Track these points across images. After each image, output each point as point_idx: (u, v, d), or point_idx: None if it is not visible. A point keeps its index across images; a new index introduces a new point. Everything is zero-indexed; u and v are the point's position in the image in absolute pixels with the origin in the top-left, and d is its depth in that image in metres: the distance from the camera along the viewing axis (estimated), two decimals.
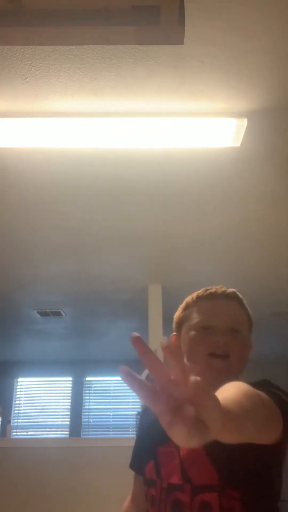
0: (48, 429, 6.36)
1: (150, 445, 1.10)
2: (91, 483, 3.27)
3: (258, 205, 2.87)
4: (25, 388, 6.63)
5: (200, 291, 1.15)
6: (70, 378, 6.57)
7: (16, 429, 6.32)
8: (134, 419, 5.98)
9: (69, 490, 3.27)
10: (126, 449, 3.49)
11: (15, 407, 6.47)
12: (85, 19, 1.27)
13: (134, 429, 5.97)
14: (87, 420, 6.37)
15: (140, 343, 0.55)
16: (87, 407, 6.44)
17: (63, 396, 6.54)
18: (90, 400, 6.49)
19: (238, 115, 2.10)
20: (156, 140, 2.22)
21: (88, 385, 6.58)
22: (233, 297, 1.14)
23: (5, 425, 5.52)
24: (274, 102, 2.04)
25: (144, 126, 2.14)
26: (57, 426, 6.38)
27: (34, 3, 1.25)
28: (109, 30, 1.29)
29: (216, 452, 0.96)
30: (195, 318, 1.11)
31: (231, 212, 2.94)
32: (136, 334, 0.56)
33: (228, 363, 1.03)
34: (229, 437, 0.65)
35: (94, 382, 6.60)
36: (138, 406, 6.06)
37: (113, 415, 6.41)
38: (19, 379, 6.61)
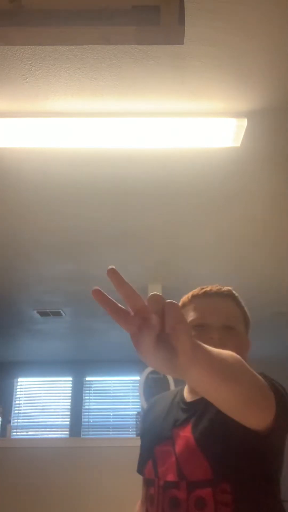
0: (48, 429, 6.36)
1: (149, 445, 1.11)
2: (91, 483, 3.27)
3: (258, 205, 2.87)
4: (25, 388, 6.63)
5: (195, 290, 1.17)
6: (70, 378, 6.57)
7: (16, 429, 6.32)
8: (134, 419, 5.98)
9: (69, 490, 3.27)
10: (126, 449, 3.51)
11: (15, 407, 6.47)
12: (85, 19, 1.27)
13: (134, 429, 5.96)
14: (87, 420, 6.37)
15: (115, 274, 0.60)
16: (87, 407, 6.44)
17: (63, 396, 6.54)
18: (90, 400, 6.48)
19: (238, 115, 2.10)
20: (156, 140, 2.22)
21: (88, 385, 6.58)
22: (228, 295, 1.14)
23: (5, 425, 5.52)
24: (274, 102, 2.04)
25: (144, 126, 2.14)
26: (57, 426, 6.38)
27: (34, 3, 1.25)
28: (109, 30, 1.29)
29: (209, 446, 0.96)
30: (190, 316, 1.12)
31: (231, 212, 2.94)
32: (111, 266, 0.61)
33: None
34: (202, 381, 0.66)
35: (94, 382, 6.60)
36: (138, 406, 6.06)
37: (113, 415, 6.41)
38: (19, 379, 6.61)
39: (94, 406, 6.46)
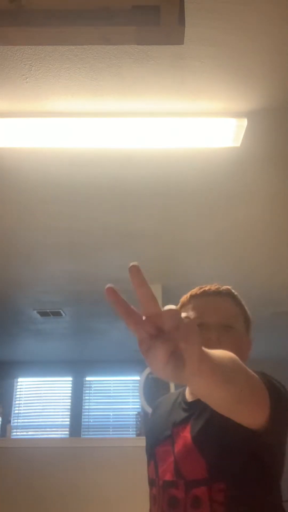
0: (48, 429, 6.36)
1: (151, 446, 1.12)
2: (91, 483, 3.27)
3: (258, 205, 2.87)
4: (25, 388, 6.63)
5: (194, 290, 1.17)
6: (70, 378, 6.57)
7: (16, 429, 6.32)
8: (134, 419, 5.98)
9: (69, 490, 3.27)
10: (126, 449, 3.51)
11: (15, 407, 6.47)
12: (85, 19, 1.27)
13: (134, 429, 5.96)
14: (87, 420, 6.37)
15: (138, 273, 0.58)
16: (87, 407, 6.44)
17: (63, 396, 6.54)
18: (90, 400, 6.48)
19: (238, 115, 2.10)
20: (156, 140, 2.22)
21: (88, 385, 6.58)
22: (227, 294, 1.15)
23: (5, 425, 5.51)
24: (274, 102, 2.04)
25: (144, 126, 2.14)
26: (57, 426, 6.38)
27: (34, 3, 1.25)
28: (109, 30, 1.28)
29: (205, 445, 0.97)
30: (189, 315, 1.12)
31: (231, 212, 2.94)
32: (134, 263, 0.58)
33: None
34: (202, 386, 0.66)
35: (94, 382, 6.60)
36: (138, 406, 6.06)
37: (113, 415, 6.41)
38: (19, 379, 6.61)
39: (94, 406, 6.46)
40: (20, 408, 6.51)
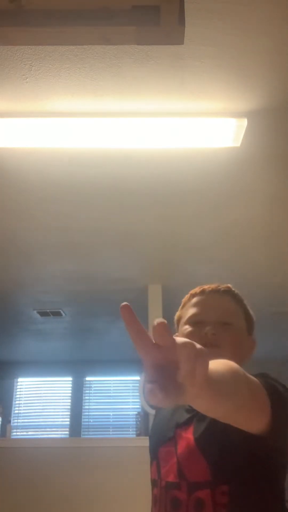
0: (48, 429, 6.36)
1: (154, 446, 1.12)
2: (91, 483, 3.27)
3: (258, 205, 2.87)
4: (25, 388, 6.63)
5: (194, 289, 1.18)
6: (70, 378, 6.57)
7: (16, 429, 6.32)
8: (134, 419, 5.98)
9: (69, 490, 3.27)
10: (126, 449, 3.50)
11: (15, 407, 6.47)
12: (85, 19, 1.27)
13: (134, 429, 5.97)
14: (87, 420, 6.37)
15: (128, 311, 0.55)
16: (87, 407, 6.44)
17: (63, 396, 6.54)
18: (90, 400, 6.48)
19: (238, 115, 2.10)
20: (156, 140, 2.22)
21: (88, 385, 6.58)
22: (226, 291, 1.15)
23: (5, 425, 5.52)
24: (274, 102, 2.04)
25: (144, 126, 2.14)
26: (57, 426, 6.38)
27: (34, 3, 1.25)
28: (109, 30, 1.28)
29: (208, 447, 0.96)
30: (188, 314, 1.14)
31: (231, 212, 2.94)
32: (126, 303, 0.55)
33: (219, 354, 1.04)
34: (204, 405, 0.66)
35: (94, 382, 6.60)
36: (138, 406, 6.06)
37: (113, 415, 6.41)
38: (19, 379, 6.61)
39: (94, 406, 6.46)
40: (20, 408, 6.51)
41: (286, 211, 2.92)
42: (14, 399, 6.50)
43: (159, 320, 0.52)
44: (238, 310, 1.14)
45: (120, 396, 6.48)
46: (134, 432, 5.97)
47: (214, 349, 1.03)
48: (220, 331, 1.06)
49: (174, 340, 0.53)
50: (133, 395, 6.41)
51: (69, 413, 6.41)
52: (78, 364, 6.45)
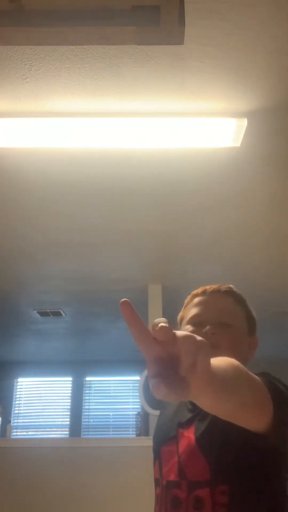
0: (48, 429, 6.36)
1: (156, 446, 1.13)
2: (91, 483, 3.27)
3: (258, 205, 2.87)
4: (25, 388, 6.63)
5: (196, 290, 1.19)
6: (70, 378, 6.57)
7: (16, 429, 6.32)
8: (134, 419, 5.98)
9: (69, 490, 3.27)
10: (126, 449, 3.50)
11: (15, 407, 6.47)
12: (85, 19, 1.27)
13: (134, 429, 5.97)
14: (87, 420, 6.37)
15: (128, 308, 0.55)
16: (87, 407, 6.44)
17: (63, 396, 6.54)
18: (90, 400, 6.48)
19: (238, 115, 2.10)
20: (156, 140, 2.22)
21: (88, 385, 6.58)
22: (228, 292, 1.16)
23: (5, 425, 5.51)
24: (274, 102, 2.04)
25: (144, 126, 2.14)
26: (57, 426, 6.38)
27: (34, 3, 1.25)
28: (109, 30, 1.29)
29: (208, 447, 0.97)
30: (189, 314, 1.15)
31: (231, 212, 2.94)
32: (125, 299, 0.55)
33: (218, 355, 1.04)
34: (208, 401, 0.66)
35: (94, 382, 6.60)
36: (138, 406, 6.06)
37: (113, 415, 6.41)
38: (19, 379, 6.61)
39: (94, 406, 6.46)
40: (20, 408, 6.51)
41: (286, 210, 2.92)
42: (14, 399, 6.50)
43: (159, 322, 0.53)
44: (238, 310, 1.15)
45: (120, 396, 6.48)
46: (134, 432, 5.97)
47: (213, 349, 1.03)
48: (220, 332, 1.07)
49: (174, 334, 0.53)
50: (133, 395, 6.41)
51: (69, 413, 6.41)
52: (78, 364, 6.45)
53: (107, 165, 2.47)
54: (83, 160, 2.43)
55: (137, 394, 6.20)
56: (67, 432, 6.30)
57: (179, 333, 0.54)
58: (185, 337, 0.53)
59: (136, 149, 2.33)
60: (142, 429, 5.27)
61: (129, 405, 6.40)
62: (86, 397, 6.49)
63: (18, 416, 6.45)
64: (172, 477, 1.01)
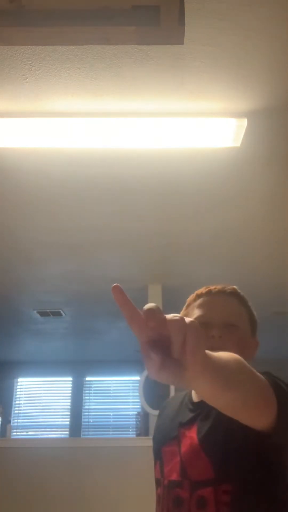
0: (48, 429, 6.36)
1: (157, 446, 1.13)
2: (91, 483, 3.27)
3: (258, 205, 2.87)
4: (25, 388, 6.63)
5: (200, 289, 1.18)
6: (70, 378, 6.57)
7: (16, 429, 6.32)
8: (134, 419, 5.98)
9: (69, 490, 3.27)
10: (126, 449, 3.50)
11: (15, 407, 6.47)
12: (85, 19, 1.27)
13: (134, 429, 5.97)
14: (87, 420, 6.37)
15: (120, 292, 0.57)
16: (87, 407, 6.44)
17: (63, 396, 6.54)
18: (90, 400, 6.49)
19: (238, 115, 2.10)
20: (156, 140, 2.22)
21: (88, 385, 6.58)
22: (232, 293, 1.15)
23: (5, 425, 5.52)
24: (274, 102, 2.04)
25: (144, 126, 2.14)
26: (57, 426, 6.38)
27: (34, 3, 1.25)
28: (109, 30, 1.28)
29: (211, 446, 0.97)
30: (194, 314, 1.14)
31: (231, 212, 2.94)
32: (116, 284, 0.57)
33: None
34: (206, 389, 0.66)
35: (94, 382, 6.60)
36: (138, 406, 6.06)
37: (113, 415, 6.41)
38: (19, 379, 6.61)
39: (94, 406, 6.46)
40: (20, 408, 6.51)
41: (286, 210, 2.92)
42: (14, 399, 6.50)
43: (148, 306, 0.54)
44: (243, 312, 1.15)
45: (120, 396, 6.48)
46: (134, 432, 5.97)
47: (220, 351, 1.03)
48: (226, 333, 1.07)
49: (164, 316, 0.55)
50: (133, 395, 6.41)
51: (69, 413, 6.41)
52: (78, 364, 6.45)
53: (107, 165, 2.47)
54: (83, 160, 2.43)
55: (137, 394, 6.20)
56: (67, 432, 6.31)
57: (169, 315, 0.55)
58: (174, 317, 0.55)
59: (136, 149, 2.33)
60: (142, 429, 5.28)
61: (129, 405, 6.40)
62: (86, 397, 6.49)
63: (18, 416, 6.45)
64: (174, 476, 1.01)
